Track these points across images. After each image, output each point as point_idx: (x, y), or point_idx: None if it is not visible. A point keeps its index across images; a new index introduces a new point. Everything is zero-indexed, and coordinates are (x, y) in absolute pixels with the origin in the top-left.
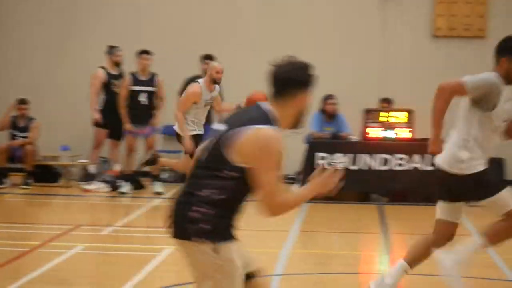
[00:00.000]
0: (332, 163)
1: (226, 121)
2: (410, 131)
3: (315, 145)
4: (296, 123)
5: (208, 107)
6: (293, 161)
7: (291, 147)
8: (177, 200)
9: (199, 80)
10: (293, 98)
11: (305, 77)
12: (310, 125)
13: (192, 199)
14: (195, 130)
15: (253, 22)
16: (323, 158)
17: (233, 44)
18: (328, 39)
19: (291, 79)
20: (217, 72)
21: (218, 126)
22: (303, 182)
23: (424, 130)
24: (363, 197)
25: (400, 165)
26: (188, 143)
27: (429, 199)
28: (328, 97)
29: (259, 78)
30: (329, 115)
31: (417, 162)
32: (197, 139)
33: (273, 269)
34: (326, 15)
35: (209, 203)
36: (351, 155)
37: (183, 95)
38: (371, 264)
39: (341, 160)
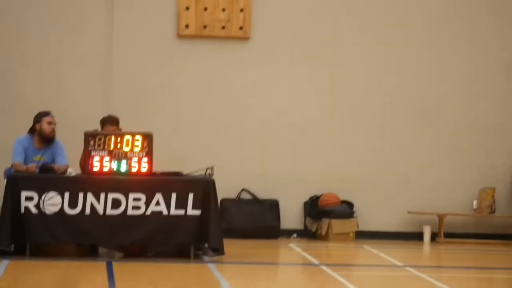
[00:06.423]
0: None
1: None
2: (147, 162)
3: (18, 181)
4: None
5: None
6: None
7: None
8: None
9: None
10: None
11: None
12: (13, 154)
13: None
14: None
15: None
16: (30, 198)
17: None
18: None
19: None
20: None
21: None
22: None
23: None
24: (88, 252)
25: (136, 208)
26: None
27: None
28: (45, 114)
29: None
30: (43, 139)
31: (160, 205)
32: None
33: None
34: None
35: None
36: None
37: None
38: None
39: (54, 202)
